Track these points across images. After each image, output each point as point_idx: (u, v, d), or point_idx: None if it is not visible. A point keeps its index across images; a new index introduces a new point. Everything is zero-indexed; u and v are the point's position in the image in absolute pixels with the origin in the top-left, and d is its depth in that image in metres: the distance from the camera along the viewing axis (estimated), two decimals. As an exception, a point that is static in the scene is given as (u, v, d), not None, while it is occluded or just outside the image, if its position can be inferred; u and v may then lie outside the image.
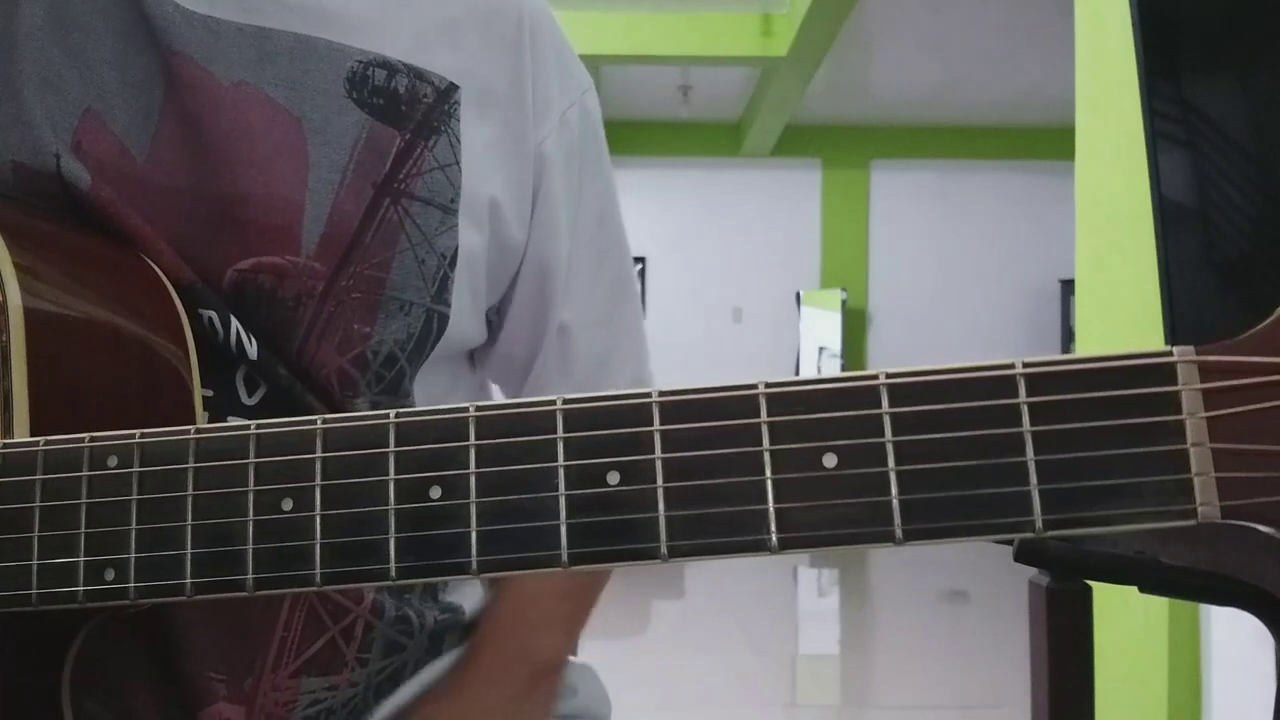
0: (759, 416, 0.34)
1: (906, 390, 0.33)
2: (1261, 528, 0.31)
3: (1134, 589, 0.93)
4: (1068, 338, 6.65)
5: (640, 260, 7.39)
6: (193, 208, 0.57)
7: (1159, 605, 1.82)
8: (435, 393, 0.66)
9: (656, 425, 0.34)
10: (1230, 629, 1.76)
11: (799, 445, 0.33)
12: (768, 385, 0.34)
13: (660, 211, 7.29)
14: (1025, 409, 0.32)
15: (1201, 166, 1.31)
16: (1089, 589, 0.98)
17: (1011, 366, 0.32)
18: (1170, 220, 1.35)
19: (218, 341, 0.56)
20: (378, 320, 0.60)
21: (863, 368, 6.12)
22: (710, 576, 4.90)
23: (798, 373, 7.06)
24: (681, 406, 0.34)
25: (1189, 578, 0.87)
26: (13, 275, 0.46)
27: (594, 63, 5.92)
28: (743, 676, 3.35)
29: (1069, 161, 2.22)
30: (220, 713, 0.56)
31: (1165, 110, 1.35)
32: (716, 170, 7.33)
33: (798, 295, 7.24)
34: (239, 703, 0.57)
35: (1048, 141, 6.79)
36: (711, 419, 0.34)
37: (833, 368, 6.96)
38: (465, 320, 0.65)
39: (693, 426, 0.34)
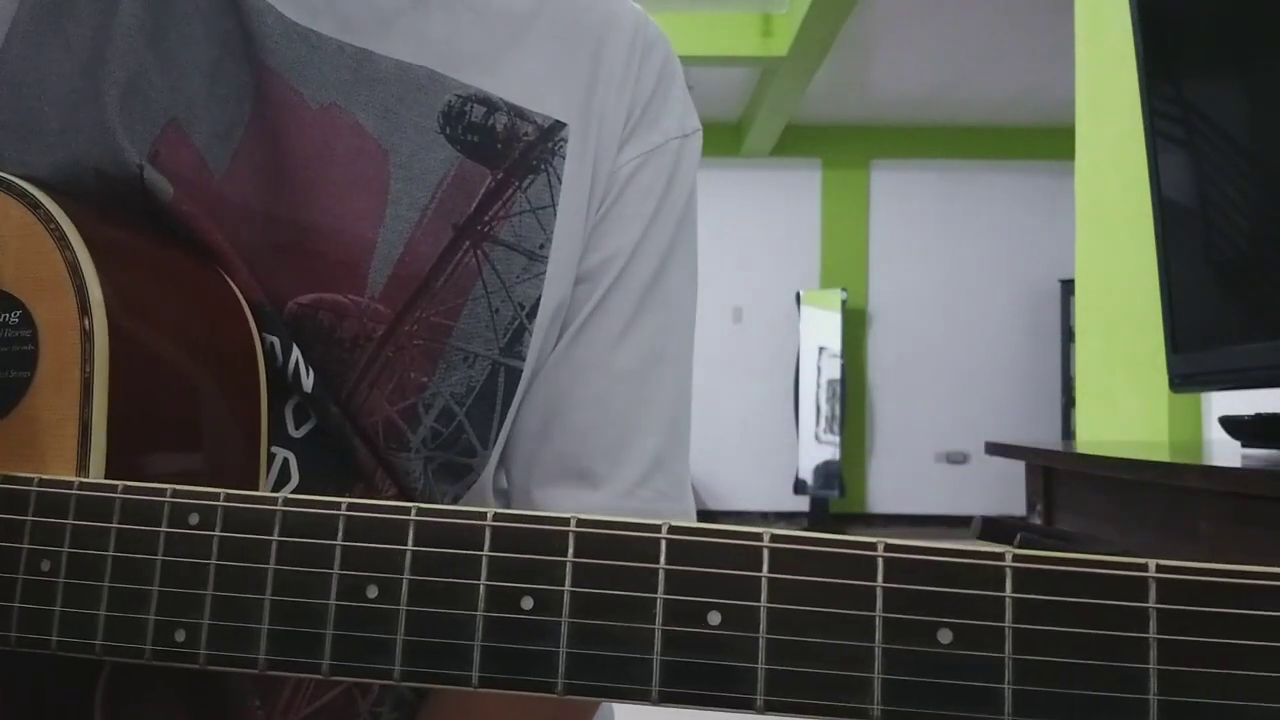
0: (875, 580, 0.33)
1: (1031, 575, 0.32)
2: None
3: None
4: (1068, 338, 6.65)
5: (640, 260, 7.38)
6: (264, 231, 0.55)
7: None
8: None
9: (765, 572, 0.33)
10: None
11: (914, 617, 0.32)
12: (887, 547, 0.33)
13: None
14: (1154, 614, 0.31)
15: (1201, 166, 1.31)
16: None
17: (1145, 567, 0.31)
18: (1170, 220, 1.35)
19: (274, 369, 0.54)
20: (437, 371, 0.57)
21: (863, 368, 6.09)
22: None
23: (798, 373, 7.06)
24: (794, 556, 0.33)
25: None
26: (100, 298, 0.45)
27: (594, 63, 5.91)
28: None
29: (1069, 161, 2.22)
30: None
31: (1165, 110, 1.35)
32: (716, 170, 7.33)
33: (798, 295, 7.23)
34: None
35: (1048, 141, 6.79)
36: (825, 575, 0.33)
37: (833, 368, 6.95)
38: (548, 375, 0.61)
39: (805, 580, 0.33)
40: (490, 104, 0.58)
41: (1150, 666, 0.31)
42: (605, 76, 0.62)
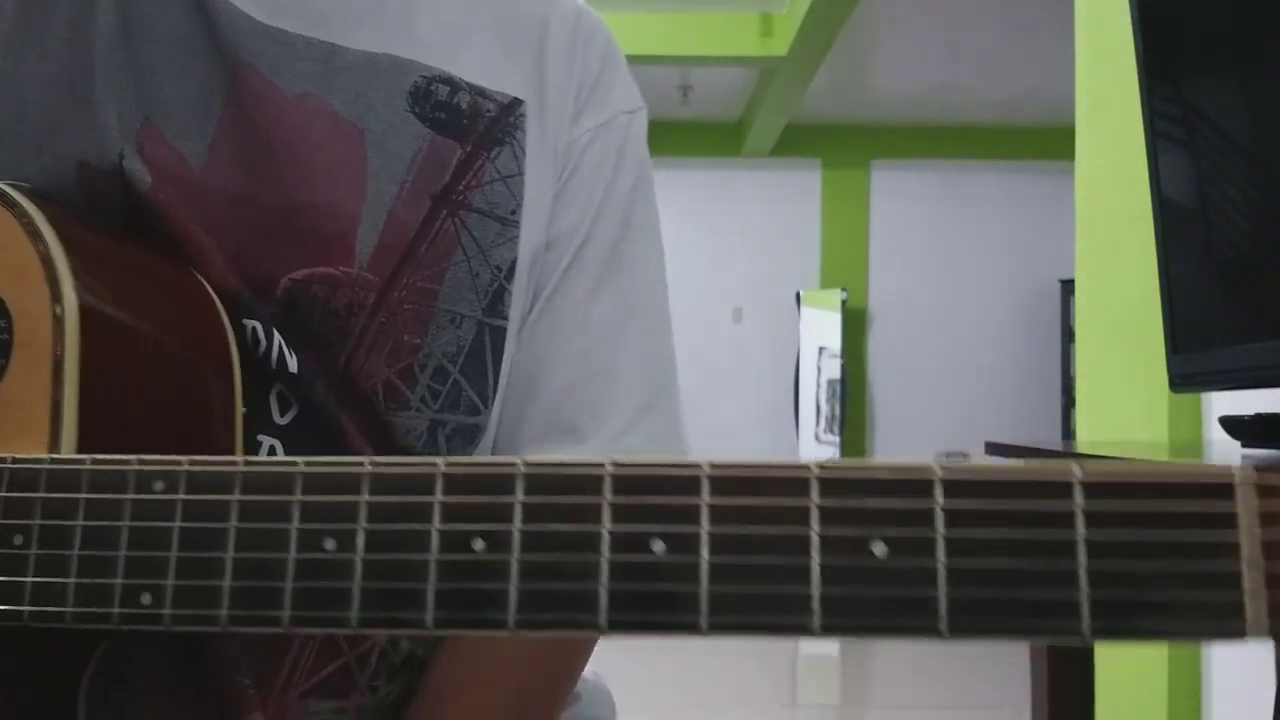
0: (810, 498, 0.34)
1: (961, 485, 0.33)
2: None
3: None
4: (1068, 338, 6.65)
5: (640, 260, 7.38)
6: (249, 216, 0.57)
7: (1159, 605, 1.82)
8: None
9: (705, 498, 0.34)
10: (1230, 629, 1.75)
11: (848, 531, 0.33)
12: (820, 467, 0.34)
13: (660, 211, 7.27)
14: (1081, 515, 0.32)
15: (1201, 166, 1.31)
16: (1089, 589, 0.98)
17: (1069, 471, 0.32)
18: (1170, 220, 1.35)
19: (257, 355, 0.56)
20: (429, 332, 0.60)
21: (863, 368, 6.09)
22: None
23: (798, 373, 7.07)
24: (732, 481, 0.34)
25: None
26: (70, 286, 0.46)
27: (594, 63, 5.91)
28: (743, 676, 3.35)
29: (1069, 161, 2.22)
30: None
31: (1165, 110, 1.35)
32: (716, 170, 7.33)
33: (798, 295, 7.24)
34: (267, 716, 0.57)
35: (1048, 141, 6.79)
36: (761, 495, 0.34)
37: (833, 368, 6.95)
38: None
39: (742, 503, 0.34)
40: (453, 84, 0.63)
41: (1080, 566, 0.32)
42: (552, 58, 0.67)
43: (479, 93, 0.63)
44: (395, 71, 0.61)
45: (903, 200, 7.36)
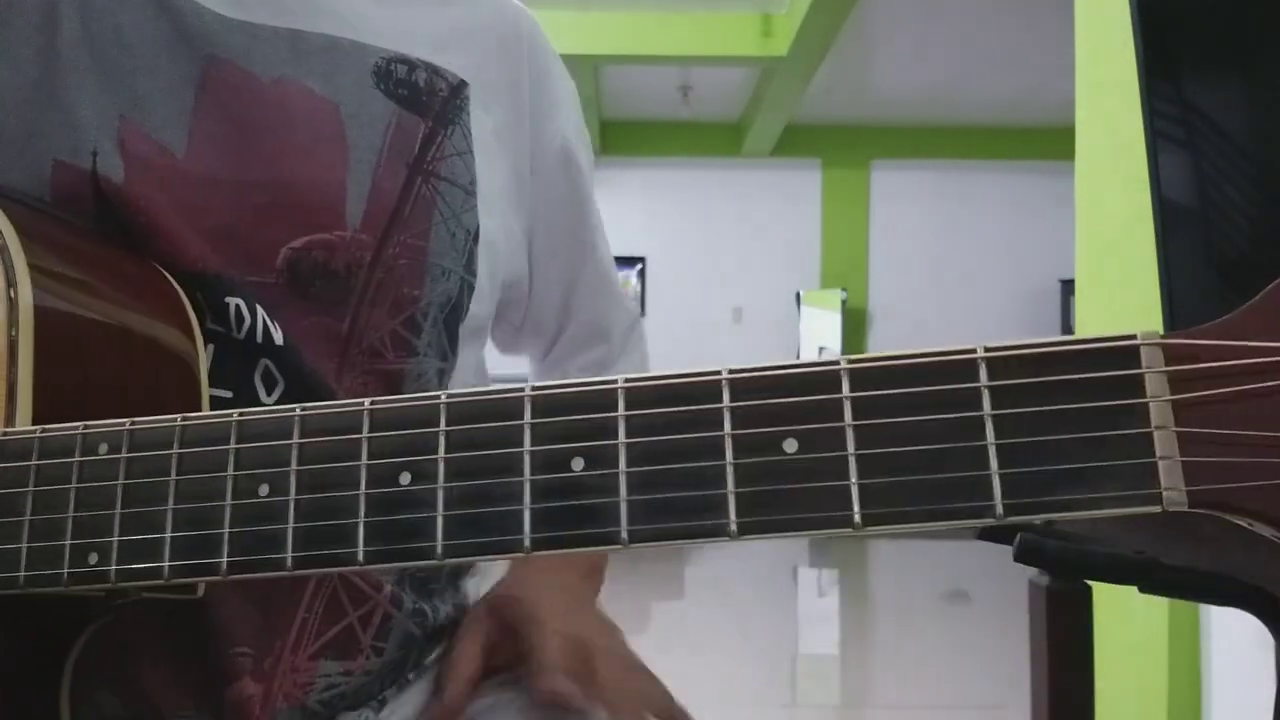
0: (721, 402, 0.34)
1: (867, 375, 0.33)
2: (1226, 515, 0.30)
3: (1134, 589, 0.93)
4: (1068, 338, 6.65)
5: (640, 260, 7.39)
6: (239, 197, 0.60)
7: (1159, 605, 1.82)
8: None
9: (621, 411, 0.35)
10: (1230, 629, 1.76)
11: (759, 430, 0.33)
12: (730, 371, 0.34)
13: (660, 211, 7.28)
14: (986, 393, 0.32)
15: (1201, 166, 1.31)
16: (1089, 589, 0.98)
17: (973, 351, 0.32)
18: (1170, 220, 1.35)
19: (240, 334, 0.57)
20: (425, 284, 0.64)
21: (863, 368, 6.06)
22: (710, 577, 4.90)
23: (798, 373, 7.07)
24: (646, 392, 0.35)
25: (1189, 578, 0.87)
26: (25, 273, 0.47)
27: (594, 63, 5.92)
28: (743, 676, 3.36)
29: (1069, 161, 2.22)
30: (245, 689, 0.57)
31: (1165, 110, 1.35)
32: (716, 170, 7.33)
33: (798, 295, 7.24)
34: (261, 680, 0.58)
35: (1048, 141, 6.79)
36: (675, 404, 0.34)
37: (833, 368, 6.96)
38: (485, 294, 0.70)
39: (657, 412, 0.34)
40: (410, 63, 0.67)
41: (989, 442, 0.31)
42: (499, 49, 0.73)
43: (433, 70, 0.68)
44: (357, 53, 0.65)
45: (903, 200, 7.36)
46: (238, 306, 0.57)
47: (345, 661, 0.61)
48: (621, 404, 0.35)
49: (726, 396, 0.34)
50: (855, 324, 7.24)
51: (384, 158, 0.64)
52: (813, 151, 7.35)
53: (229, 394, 0.57)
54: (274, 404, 0.58)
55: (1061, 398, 0.31)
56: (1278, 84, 1.15)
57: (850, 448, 0.32)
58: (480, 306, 0.69)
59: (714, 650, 3.62)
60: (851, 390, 0.33)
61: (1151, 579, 0.91)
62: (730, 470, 0.33)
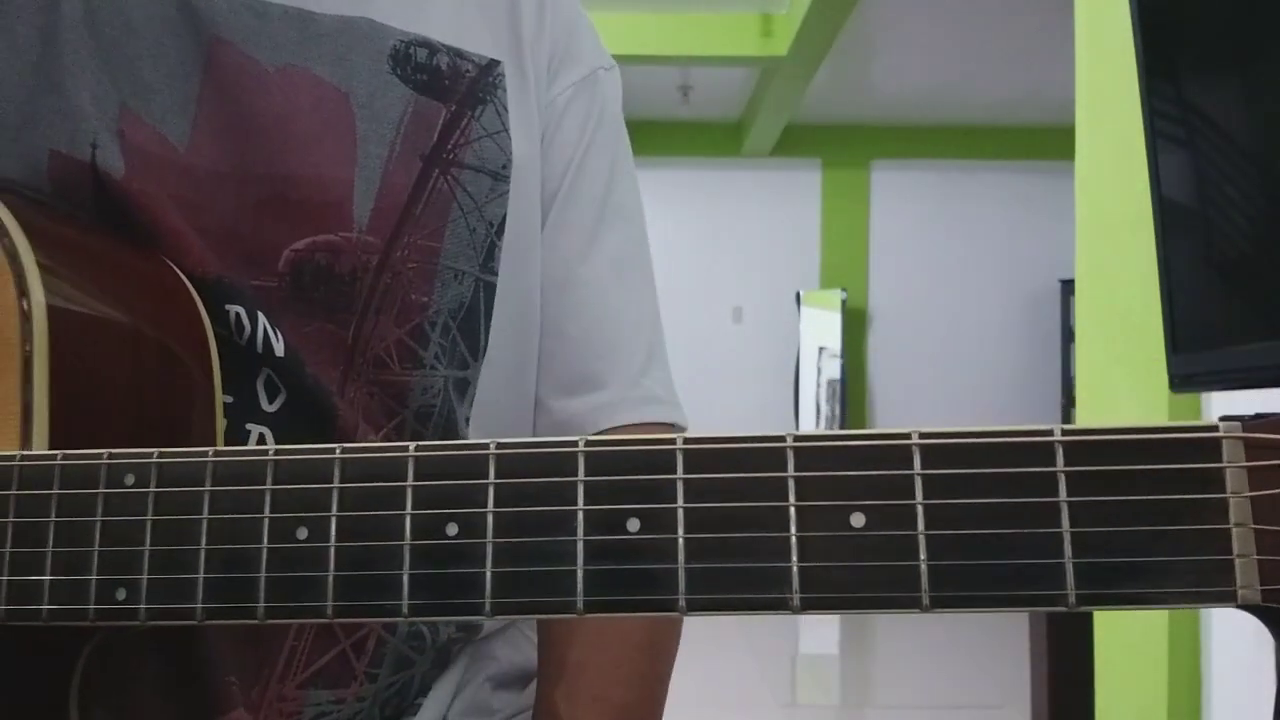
0: (786, 470, 0.33)
1: (940, 452, 0.32)
2: None
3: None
4: (1068, 338, 6.65)
5: (640, 260, 7.37)
6: (241, 192, 0.57)
7: (1159, 605, 1.81)
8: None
9: (680, 474, 0.33)
10: (1230, 629, 1.76)
11: (826, 503, 0.32)
12: (796, 438, 0.33)
13: (660, 211, 7.28)
14: (1063, 478, 0.31)
15: (1201, 166, 1.31)
16: (1089, 589, 0.98)
17: (1050, 433, 0.31)
18: (1170, 220, 1.35)
19: (242, 341, 0.55)
20: (434, 289, 0.60)
21: (863, 368, 6.07)
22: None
23: (798, 373, 7.06)
24: (706, 455, 0.34)
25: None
26: (38, 281, 0.45)
27: (594, 63, 5.90)
28: (743, 676, 3.35)
29: (1069, 161, 2.22)
30: (240, 718, 0.55)
31: (1165, 110, 1.35)
32: (716, 170, 7.33)
33: (798, 295, 7.23)
34: (251, 710, 0.56)
35: (1048, 141, 6.79)
36: (736, 470, 0.33)
37: (833, 368, 6.95)
38: (521, 288, 0.65)
39: (717, 477, 0.33)
40: (430, 46, 0.63)
41: (1064, 530, 0.31)
42: (526, 21, 0.68)
43: (457, 54, 0.63)
44: (373, 35, 0.61)
45: (903, 200, 7.36)
46: (238, 314, 0.55)
47: (337, 690, 0.59)
48: (680, 465, 0.34)
49: (791, 465, 0.33)
50: (855, 324, 7.23)
51: (397, 150, 0.60)
52: (813, 151, 7.35)
53: (229, 399, 0.55)
54: (275, 412, 0.57)
55: (1139, 487, 0.31)
56: (1278, 84, 1.15)
57: (920, 526, 0.31)
58: (508, 306, 0.64)
59: (714, 650, 3.62)
60: (923, 467, 0.32)
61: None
62: (794, 543, 0.32)
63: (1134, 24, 1.38)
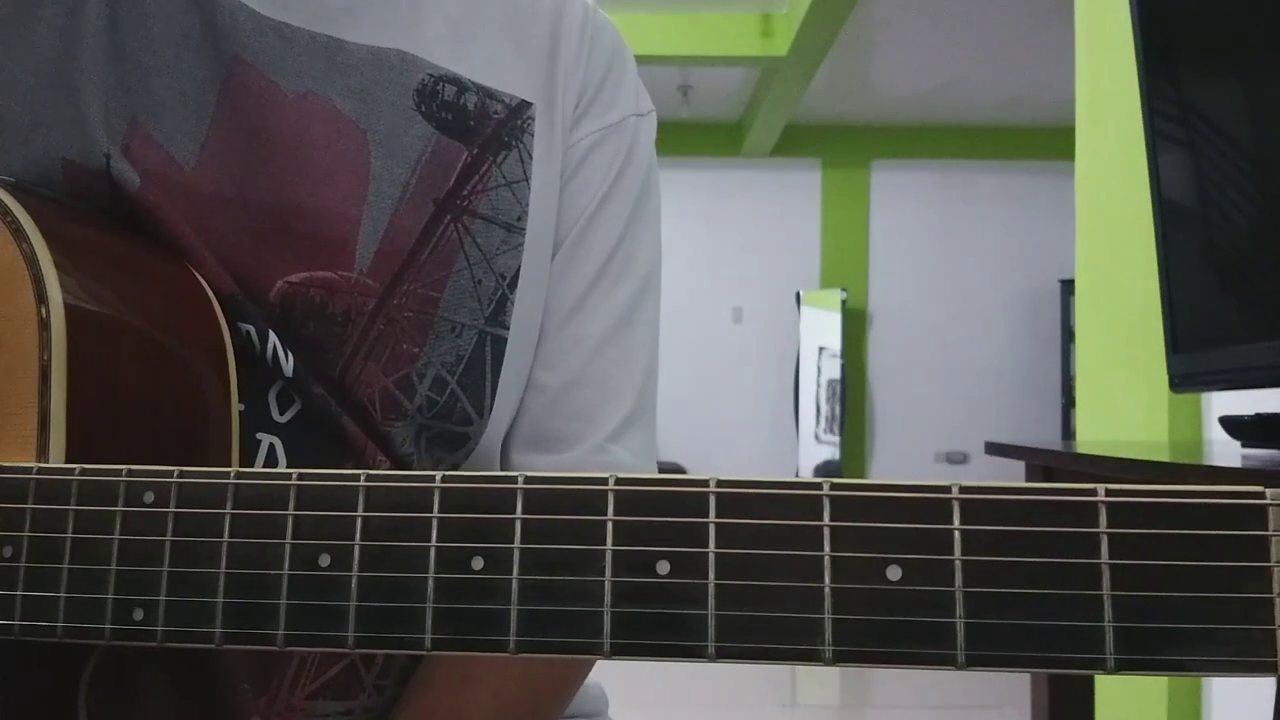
0: (822, 519, 0.32)
1: (980, 507, 0.31)
2: None
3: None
4: (1068, 338, 6.64)
5: (640, 260, 7.37)
6: (242, 218, 0.56)
7: (1159, 605, 1.81)
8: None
9: (712, 517, 0.33)
10: (1230, 629, 1.75)
11: (862, 554, 0.32)
12: (833, 486, 0.32)
13: (660, 211, 7.26)
14: (1105, 539, 0.30)
15: (1201, 167, 1.31)
16: (1089, 589, 0.98)
17: (1093, 493, 0.31)
18: (1170, 220, 1.35)
19: (254, 356, 0.55)
20: (428, 341, 0.58)
21: (863, 368, 6.06)
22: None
23: (798, 373, 7.06)
24: (740, 500, 0.33)
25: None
26: (57, 288, 0.44)
27: (594, 63, 5.90)
28: (743, 677, 3.35)
29: (1069, 161, 2.22)
30: None
31: (1165, 110, 1.35)
32: (716, 170, 7.33)
33: (798, 295, 7.23)
34: (262, 718, 0.56)
35: (1048, 141, 6.79)
36: (771, 517, 0.33)
37: (833, 368, 6.95)
38: (534, 343, 0.63)
39: (750, 523, 0.33)
40: (460, 84, 0.61)
41: (1105, 592, 0.30)
42: (563, 58, 0.65)
43: (487, 94, 0.61)
44: (402, 68, 0.60)
45: (903, 200, 7.36)
46: (249, 332, 0.54)
47: (345, 701, 0.58)
48: (713, 509, 0.33)
49: (828, 514, 0.32)
50: (855, 324, 7.23)
51: (410, 193, 0.58)
52: (813, 151, 7.35)
53: (241, 407, 0.54)
54: (287, 423, 0.56)
55: (1183, 552, 0.30)
56: (1278, 84, 1.15)
57: (958, 583, 0.31)
58: (526, 355, 0.62)
59: (714, 650, 3.62)
60: (963, 523, 0.31)
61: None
62: (828, 594, 0.32)
63: (1134, 24, 1.39)
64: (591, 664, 0.66)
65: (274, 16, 0.58)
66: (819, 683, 3.56)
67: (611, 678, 0.78)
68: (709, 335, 7.22)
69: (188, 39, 0.57)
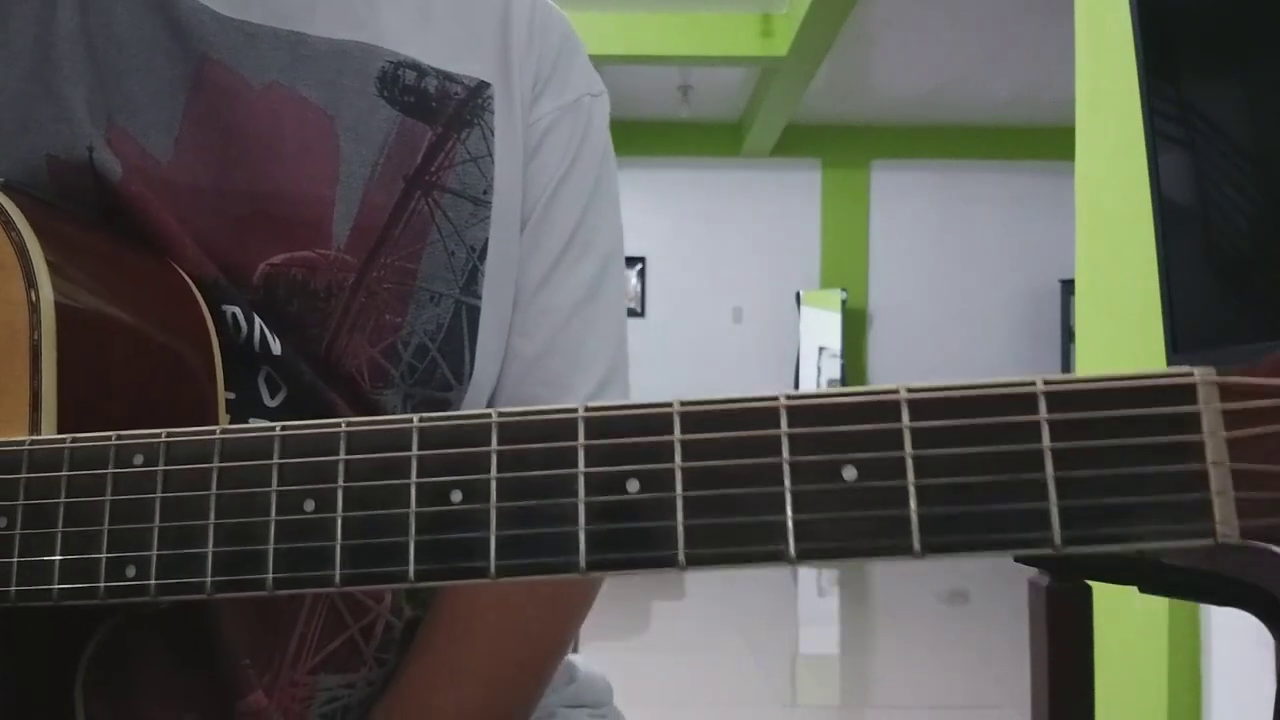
0: (779, 428, 0.34)
1: (927, 405, 0.33)
2: (1277, 549, 0.31)
3: (1134, 589, 0.93)
4: (1068, 338, 6.65)
5: (640, 260, 7.39)
6: (220, 207, 0.58)
7: (1159, 605, 1.82)
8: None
9: (677, 434, 0.34)
10: (1230, 629, 1.76)
11: (818, 457, 0.33)
12: (789, 397, 0.34)
13: (660, 211, 7.28)
14: (1045, 425, 0.32)
15: (1201, 166, 1.31)
16: (1089, 589, 0.98)
17: (1032, 384, 0.32)
18: (1170, 220, 1.35)
19: (240, 340, 0.56)
20: (409, 311, 0.61)
21: (863, 368, 6.09)
22: (710, 578, 4.90)
23: (798, 373, 7.06)
24: (702, 416, 0.35)
25: (1189, 578, 0.87)
26: (45, 273, 0.46)
27: (594, 63, 5.90)
28: (743, 676, 3.36)
29: (1069, 161, 2.22)
30: (260, 701, 0.56)
31: (1165, 110, 1.35)
32: (716, 170, 7.33)
33: (798, 295, 7.24)
34: (265, 693, 0.57)
35: (1048, 141, 6.79)
36: (732, 429, 0.34)
37: (833, 368, 6.95)
38: (505, 312, 0.66)
39: (713, 437, 0.34)
40: (420, 69, 0.64)
41: (1048, 475, 0.32)
42: (515, 42, 0.68)
43: (446, 77, 0.64)
44: (363, 57, 0.62)
45: (903, 200, 7.36)
46: (234, 315, 0.56)
47: (347, 674, 0.60)
48: (678, 427, 0.34)
49: (785, 422, 0.34)
50: (855, 324, 7.23)
51: (379, 171, 0.61)
52: (813, 151, 7.35)
53: (231, 395, 0.56)
54: (278, 408, 0.58)
55: (1118, 432, 0.32)
56: (1278, 84, 1.15)
57: (910, 477, 0.33)
58: (502, 323, 0.65)
59: (714, 651, 3.62)
60: (911, 420, 0.33)
61: (1151, 579, 0.91)
62: (789, 496, 0.33)
63: (1134, 24, 1.39)
64: (586, 610, 0.69)
65: (235, 16, 0.60)
66: (819, 683, 3.57)
67: (612, 678, 0.79)
68: (709, 335, 7.22)
69: (156, 41, 0.59)
